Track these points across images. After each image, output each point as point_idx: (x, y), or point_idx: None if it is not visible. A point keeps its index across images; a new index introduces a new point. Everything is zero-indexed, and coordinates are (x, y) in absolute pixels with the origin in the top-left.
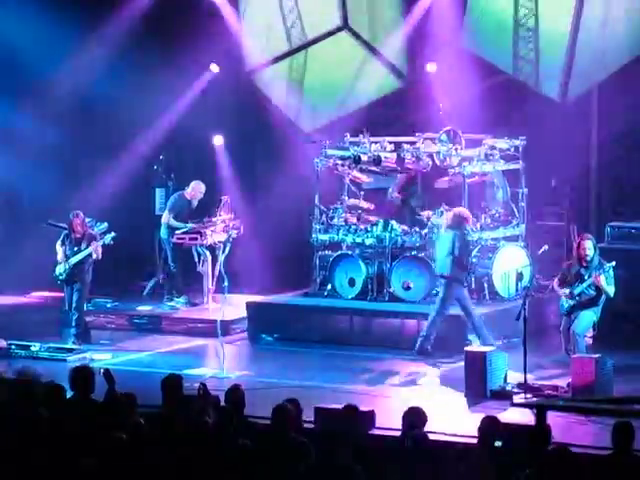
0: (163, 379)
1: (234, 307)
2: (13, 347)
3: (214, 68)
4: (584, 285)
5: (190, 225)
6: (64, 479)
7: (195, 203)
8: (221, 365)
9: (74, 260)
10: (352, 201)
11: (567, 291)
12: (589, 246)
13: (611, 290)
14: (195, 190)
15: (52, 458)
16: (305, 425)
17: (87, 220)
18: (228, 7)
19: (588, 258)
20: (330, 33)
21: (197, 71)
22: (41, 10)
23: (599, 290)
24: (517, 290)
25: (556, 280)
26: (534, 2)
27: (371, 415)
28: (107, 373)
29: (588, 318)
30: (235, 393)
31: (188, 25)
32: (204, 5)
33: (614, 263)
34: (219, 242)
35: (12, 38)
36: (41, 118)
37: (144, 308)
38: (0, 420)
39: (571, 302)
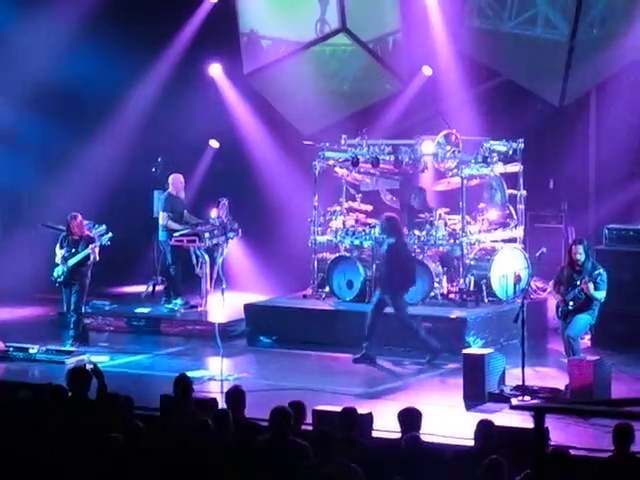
0: (177, 379)
1: (232, 309)
2: (11, 349)
3: (213, 70)
4: (575, 291)
5: (189, 227)
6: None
7: (183, 195)
8: (219, 367)
9: (72, 262)
10: (350, 203)
11: (560, 297)
12: (580, 251)
13: (600, 295)
14: (175, 184)
15: (55, 456)
16: (304, 427)
17: (85, 222)
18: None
19: (579, 262)
20: (329, 35)
21: (196, 73)
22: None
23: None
24: (515, 292)
25: (551, 283)
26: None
27: (369, 417)
28: (95, 369)
29: (583, 321)
30: (235, 394)
31: (188, 26)
32: (204, 8)
33: (601, 270)
34: (217, 244)
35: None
36: (40, 119)
37: (142, 310)
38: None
39: (565, 307)
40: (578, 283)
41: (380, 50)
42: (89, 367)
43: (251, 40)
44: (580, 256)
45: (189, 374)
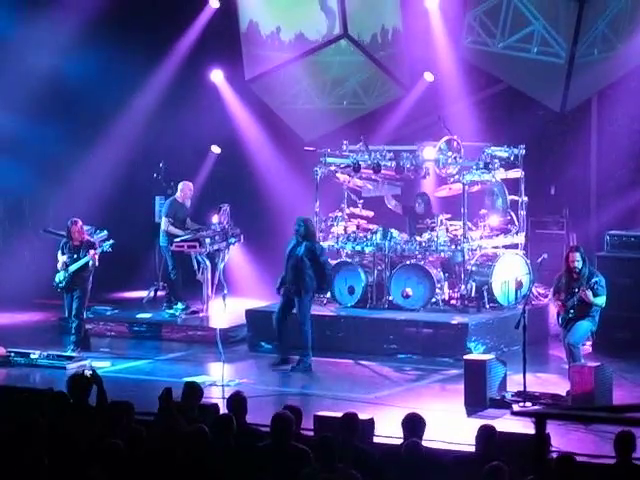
0: (189, 386)
1: (234, 315)
2: (13, 355)
3: (214, 76)
4: (574, 299)
5: (190, 233)
6: None
7: (188, 203)
8: (221, 373)
9: (74, 268)
10: (351, 209)
11: (560, 305)
12: (577, 258)
13: (601, 300)
14: (184, 191)
15: (56, 463)
16: (305, 433)
17: (86, 228)
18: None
19: (577, 270)
20: (330, 41)
21: (197, 78)
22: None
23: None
24: (516, 298)
25: (551, 291)
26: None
27: (370, 423)
28: (94, 374)
29: (584, 328)
30: (237, 400)
31: (189, 32)
32: (206, 14)
33: (599, 277)
34: (218, 250)
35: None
36: (41, 125)
37: (144, 316)
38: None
39: (565, 315)
40: (576, 291)
41: (381, 56)
42: (88, 373)
43: (252, 44)
44: (577, 263)
45: (190, 379)
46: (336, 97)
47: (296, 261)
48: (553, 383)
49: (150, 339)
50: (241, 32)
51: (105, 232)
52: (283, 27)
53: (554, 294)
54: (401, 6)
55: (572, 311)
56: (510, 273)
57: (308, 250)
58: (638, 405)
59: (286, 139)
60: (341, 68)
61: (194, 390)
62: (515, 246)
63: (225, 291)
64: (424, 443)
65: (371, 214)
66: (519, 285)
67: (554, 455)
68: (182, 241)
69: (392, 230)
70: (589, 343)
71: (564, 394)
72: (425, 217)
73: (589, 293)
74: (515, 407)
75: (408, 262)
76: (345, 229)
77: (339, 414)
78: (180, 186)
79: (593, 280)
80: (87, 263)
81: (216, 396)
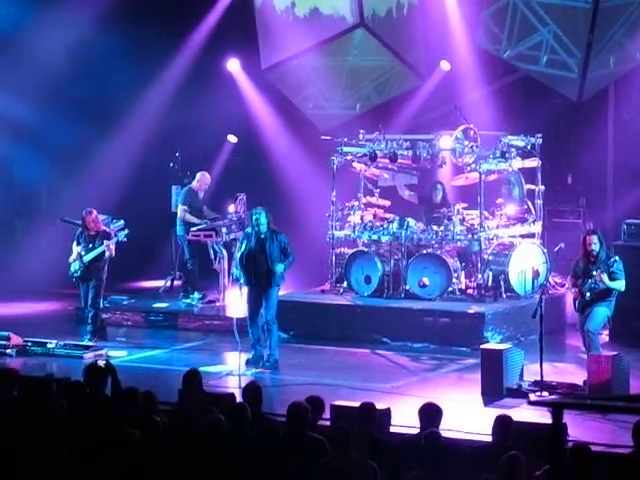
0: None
1: None
2: (30, 344)
3: (231, 65)
4: (591, 281)
5: (206, 222)
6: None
7: (202, 194)
8: (237, 362)
9: (89, 257)
10: (368, 198)
11: (577, 290)
12: (594, 241)
13: (619, 284)
14: (201, 181)
15: (72, 453)
16: (321, 423)
17: (103, 217)
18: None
19: (594, 253)
20: (346, 30)
21: (214, 68)
22: None
23: None
24: (533, 287)
25: (569, 277)
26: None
27: (387, 413)
28: (108, 364)
29: (602, 314)
30: (252, 389)
31: (206, 21)
32: (222, 3)
33: (616, 258)
34: (235, 239)
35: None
36: (58, 116)
37: (160, 305)
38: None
39: (582, 300)
40: (594, 273)
41: (398, 45)
42: (101, 363)
43: (266, 19)
44: (595, 246)
45: (207, 369)
46: (349, 101)
47: (270, 252)
48: (570, 372)
49: (166, 328)
50: (255, 8)
51: (122, 221)
52: (298, 2)
53: (572, 278)
54: None
55: (589, 294)
56: (527, 262)
57: (281, 243)
58: None
59: (302, 128)
60: (357, 57)
61: (194, 377)
62: (532, 235)
63: (242, 280)
64: (441, 433)
65: (388, 203)
66: (536, 274)
67: (571, 445)
68: (198, 230)
69: (409, 219)
70: (606, 333)
71: (581, 384)
72: (441, 206)
73: (604, 277)
74: (532, 397)
75: (425, 251)
76: (362, 218)
77: (356, 404)
78: (198, 176)
79: (611, 261)
80: (102, 253)
81: (232, 385)
